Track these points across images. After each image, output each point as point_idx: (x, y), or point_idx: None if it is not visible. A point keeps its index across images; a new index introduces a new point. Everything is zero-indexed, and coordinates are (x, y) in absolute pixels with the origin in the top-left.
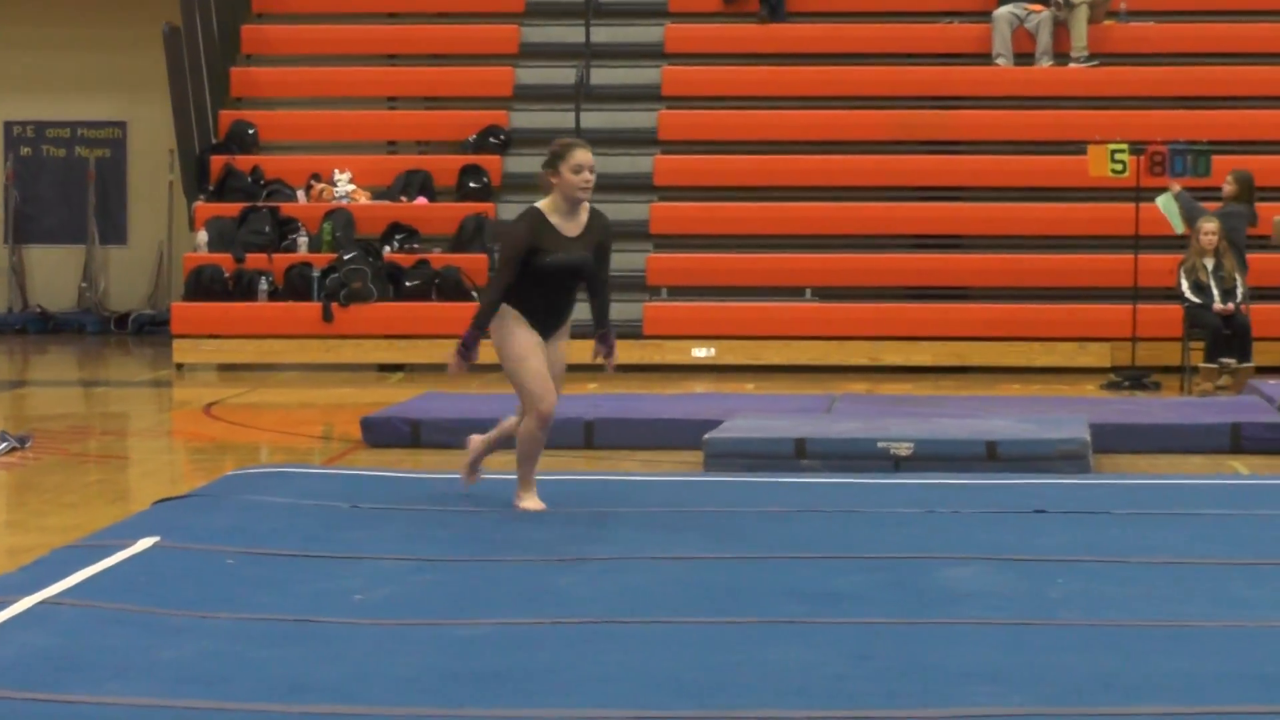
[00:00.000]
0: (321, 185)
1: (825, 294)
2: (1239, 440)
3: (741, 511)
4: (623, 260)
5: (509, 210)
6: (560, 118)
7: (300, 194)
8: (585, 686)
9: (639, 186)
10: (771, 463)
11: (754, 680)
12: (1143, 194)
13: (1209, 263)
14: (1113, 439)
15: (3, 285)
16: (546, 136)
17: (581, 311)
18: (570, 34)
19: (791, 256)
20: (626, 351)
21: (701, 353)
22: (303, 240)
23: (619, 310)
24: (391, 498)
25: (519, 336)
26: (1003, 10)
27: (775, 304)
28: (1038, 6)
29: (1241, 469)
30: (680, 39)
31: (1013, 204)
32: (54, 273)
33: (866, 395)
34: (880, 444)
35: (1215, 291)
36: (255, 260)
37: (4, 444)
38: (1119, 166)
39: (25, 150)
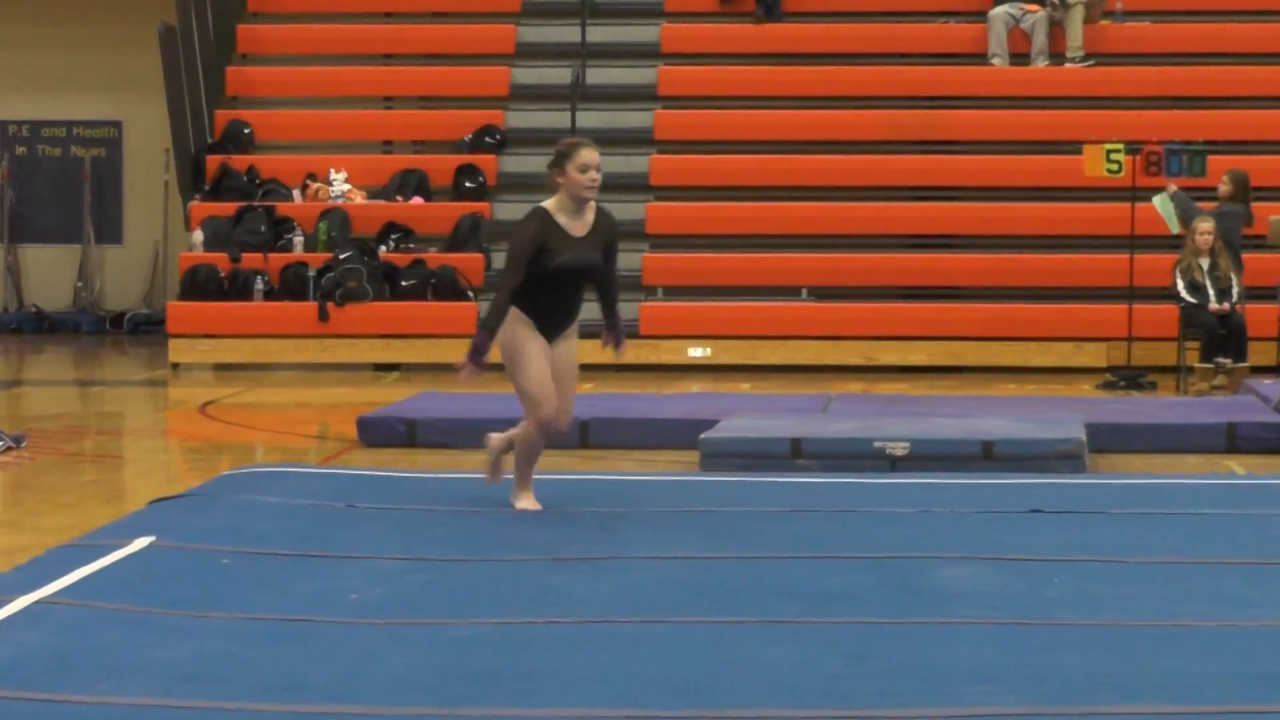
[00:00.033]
0: (317, 185)
1: (821, 294)
2: (1235, 440)
3: (737, 511)
4: (618, 260)
5: (505, 210)
6: (556, 117)
7: (296, 193)
8: (581, 686)
9: (635, 186)
10: (767, 462)
11: (749, 679)
12: (1138, 194)
13: (1204, 263)
14: (1109, 439)
15: None
16: (543, 136)
17: (587, 311)
18: (566, 34)
19: (788, 256)
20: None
21: (697, 352)
22: (298, 240)
23: None
24: (387, 497)
25: (524, 341)
26: (998, 10)
27: (771, 304)
28: (1033, 6)
29: (1237, 469)
30: (676, 39)
31: (1009, 204)
32: (49, 272)
33: (862, 395)
34: (876, 444)
35: (1211, 291)
36: (251, 260)
37: (0, 444)
38: (1114, 166)
39: (20, 150)
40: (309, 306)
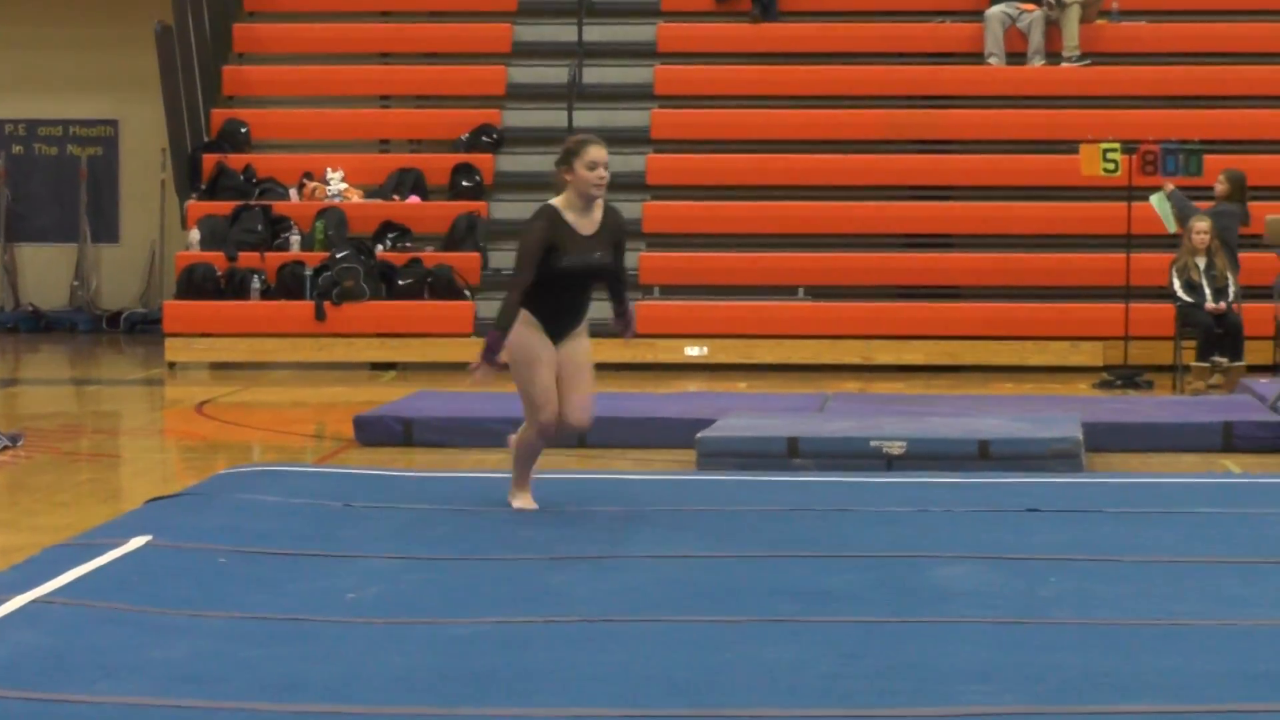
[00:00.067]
0: (314, 184)
1: (818, 293)
2: (1231, 439)
3: (734, 510)
4: None
5: (502, 209)
6: (553, 117)
7: (293, 192)
8: (578, 685)
9: (631, 185)
10: (764, 462)
11: (746, 679)
12: (1135, 193)
13: (1201, 262)
14: (1105, 438)
15: None
16: (539, 136)
17: (596, 310)
18: (563, 33)
19: (784, 255)
20: (619, 351)
21: (694, 352)
22: (295, 239)
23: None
24: (384, 496)
25: (530, 344)
26: (995, 10)
27: (768, 303)
28: (1030, 6)
29: (1234, 467)
30: (673, 38)
31: (1005, 203)
32: (46, 271)
33: (859, 394)
34: (873, 443)
35: (1207, 290)
36: (247, 259)
37: None
38: (1111, 166)
39: (17, 149)
40: (306, 305)
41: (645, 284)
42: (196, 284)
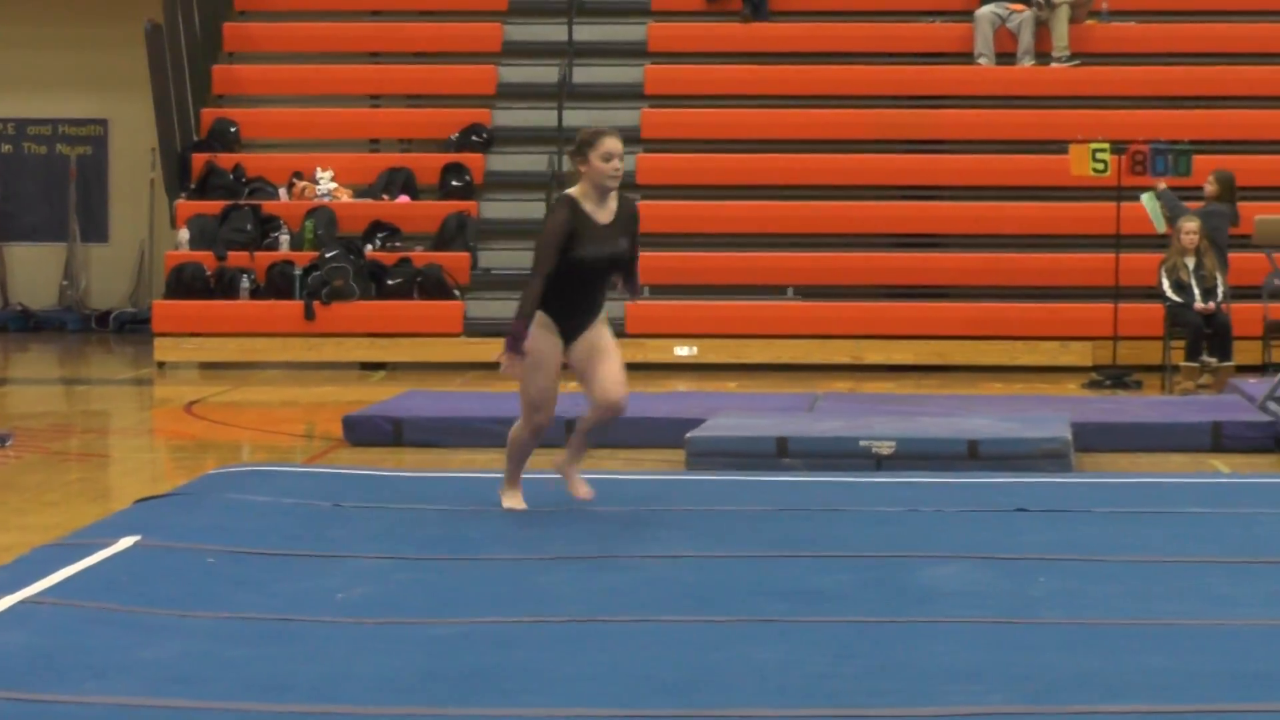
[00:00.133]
0: (303, 183)
1: (808, 293)
2: (1220, 439)
3: (723, 510)
4: None
5: (491, 209)
6: (543, 116)
7: (282, 192)
8: (566, 685)
9: (622, 185)
10: (753, 461)
11: (735, 679)
12: (1124, 193)
13: (1190, 262)
14: (1094, 438)
15: None
16: (529, 135)
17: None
18: (553, 32)
19: (774, 255)
20: None
21: (684, 351)
22: (284, 238)
23: None
24: (373, 496)
25: (537, 346)
26: (984, 10)
27: (757, 303)
28: (1019, 6)
29: (1222, 467)
30: (663, 38)
31: (995, 203)
32: (35, 270)
33: (849, 394)
34: (862, 443)
35: (1196, 291)
36: (237, 258)
37: None
38: (1100, 166)
39: (6, 148)
40: (295, 305)
41: None
42: (186, 283)
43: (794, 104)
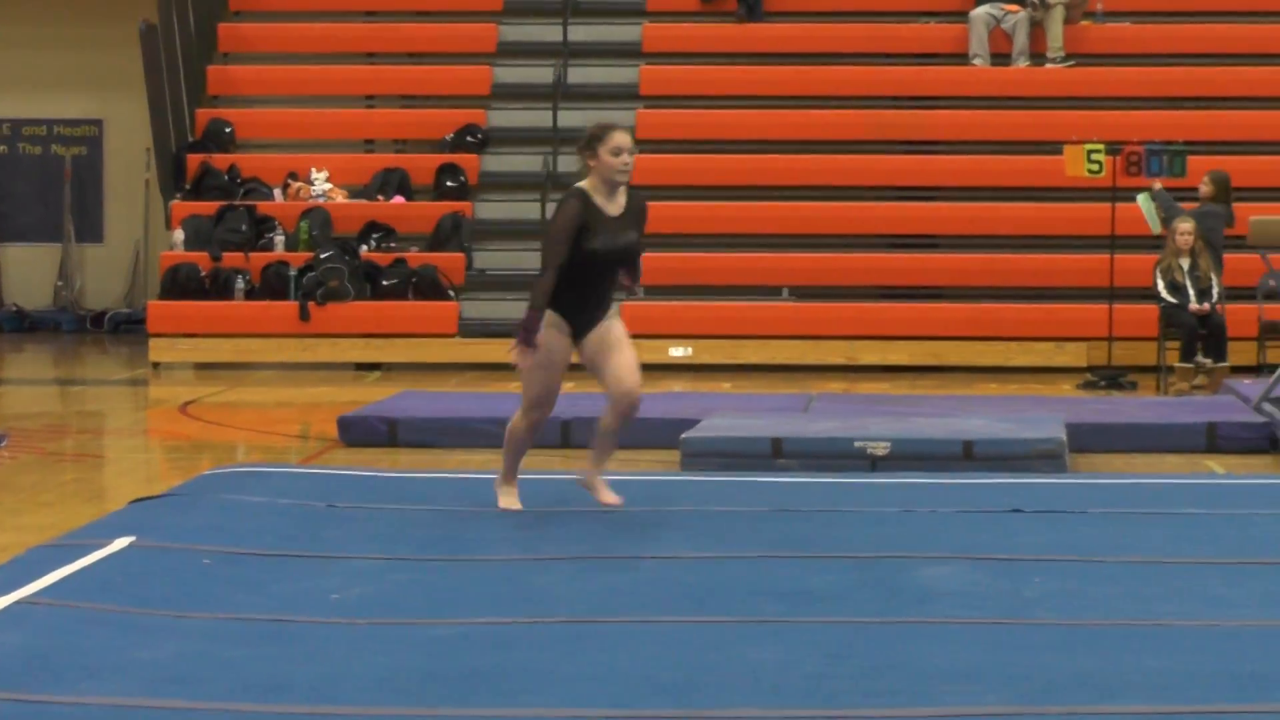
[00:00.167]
0: (298, 184)
1: (802, 293)
2: (1215, 439)
3: (718, 511)
4: None
5: (486, 209)
6: (538, 117)
7: (277, 192)
8: (562, 686)
9: None
10: (748, 462)
11: (731, 679)
12: (1119, 194)
13: (1185, 263)
14: (1089, 438)
15: None
16: (524, 136)
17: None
18: (548, 33)
19: (769, 256)
20: None
21: (679, 352)
22: (279, 239)
23: None
24: (368, 497)
25: (547, 343)
26: (979, 11)
27: (752, 303)
28: (1014, 7)
29: (1217, 468)
30: (658, 38)
31: (989, 204)
32: (30, 271)
33: (843, 395)
34: (857, 443)
35: (1191, 291)
36: (232, 259)
37: None
38: (1095, 167)
39: (1, 148)
40: (290, 306)
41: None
42: (181, 284)
43: (789, 104)
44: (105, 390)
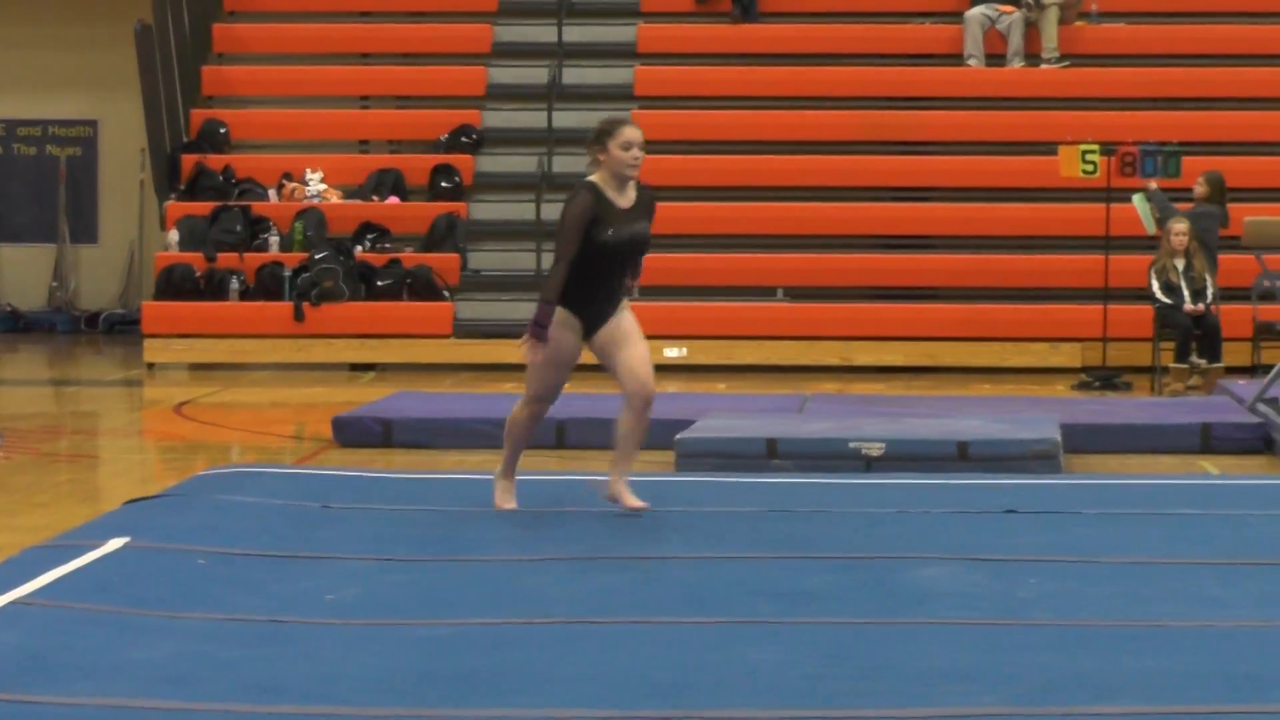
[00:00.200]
0: (293, 184)
1: (797, 294)
2: (1209, 440)
3: (713, 511)
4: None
5: (481, 210)
6: (533, 117)
7: (272, 193)
8: (557, 686)
9: None
10: (743, 463)
11: (726, 680)
12: (1114, 195)
13: (1179, 263)
14: (1084, 439)
15: None
16: (519, 136)
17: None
18: (543, 33)
19: (763, 256)
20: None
21: (673, 353)
22: (274, 239)
23: None
24: (363, 497)
25: (557, 340)
26: (974, 11)
27: (747, 304)
28: (1009, 8)
29: (1212, 469)
30: (653, 39)
31: (984, 204)
32: (24, 272)
33: (838, 395)
34: (852, 444)
35: (1186, 292)
36: (226, 259)
37: None
38: (1090, 167)
39: None
40: (285, 306)
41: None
42: (175, 284)
43: (784, 105)
44: (100, 391)
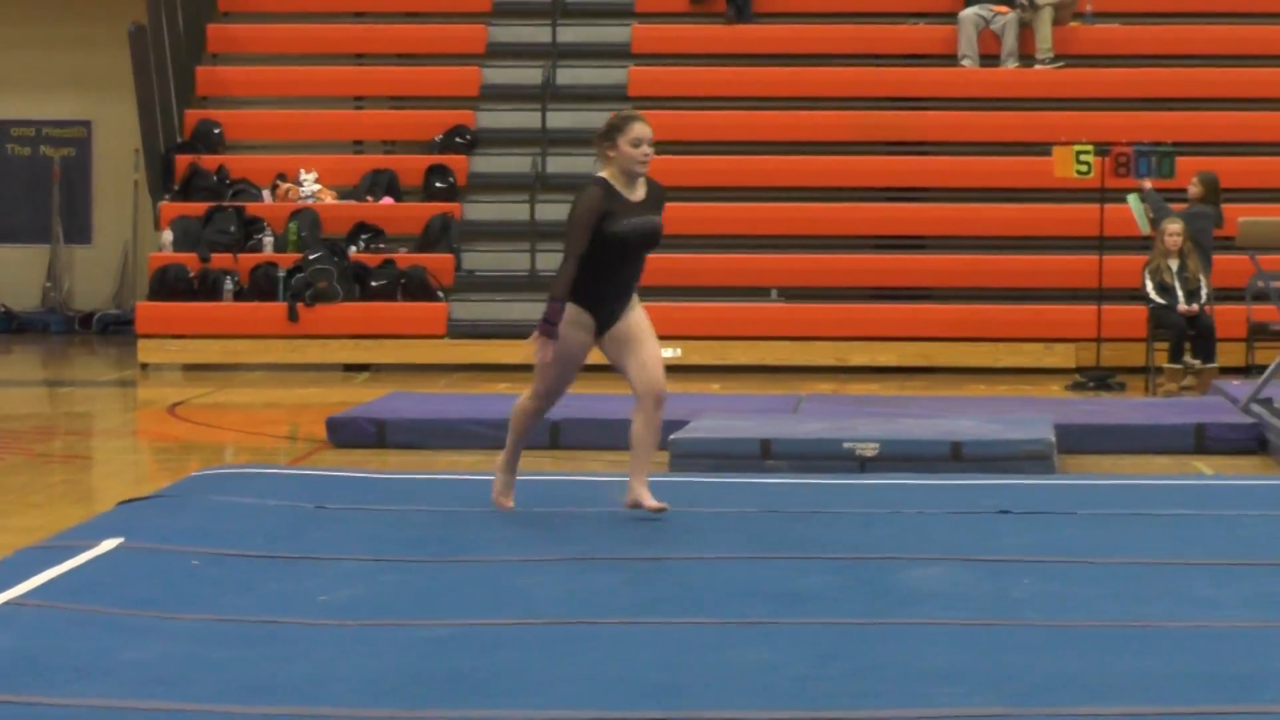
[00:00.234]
0: (287, 185)
1: (791, 294)
2: (1203, 441)
3: (706, 512)
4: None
5: (475, 210)
6: (527, 118)
7: (266, 193)
8: (549, 687)
9: None
10: (737, 463)
11: (719, 681)
12: (1108, 195)
13: (1173, 264)
14: (1077, 439)
15: None
16: (513, 137)
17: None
18: (537, 34)
19: (757, 257)
20: (593, 353)
21: (668, 353)
22: (268, 240)
23: None
24: (356, 498)
25: (566, 339)
26: (968, 12)
27: (741, 304)
28: (1003, 8)
29: (1205, 469)
30: (647, 39)
31: (978, 205)
32: (18, 272)
33: (832, 396)
34: (846, 444)
35: (1180, 292)
36: (220, 260)
37: None
38: (1084, 168)
39: None
40: (279, 307)
41: None
42: (169, 285)
43: (778, 106)
44: (93, 391)
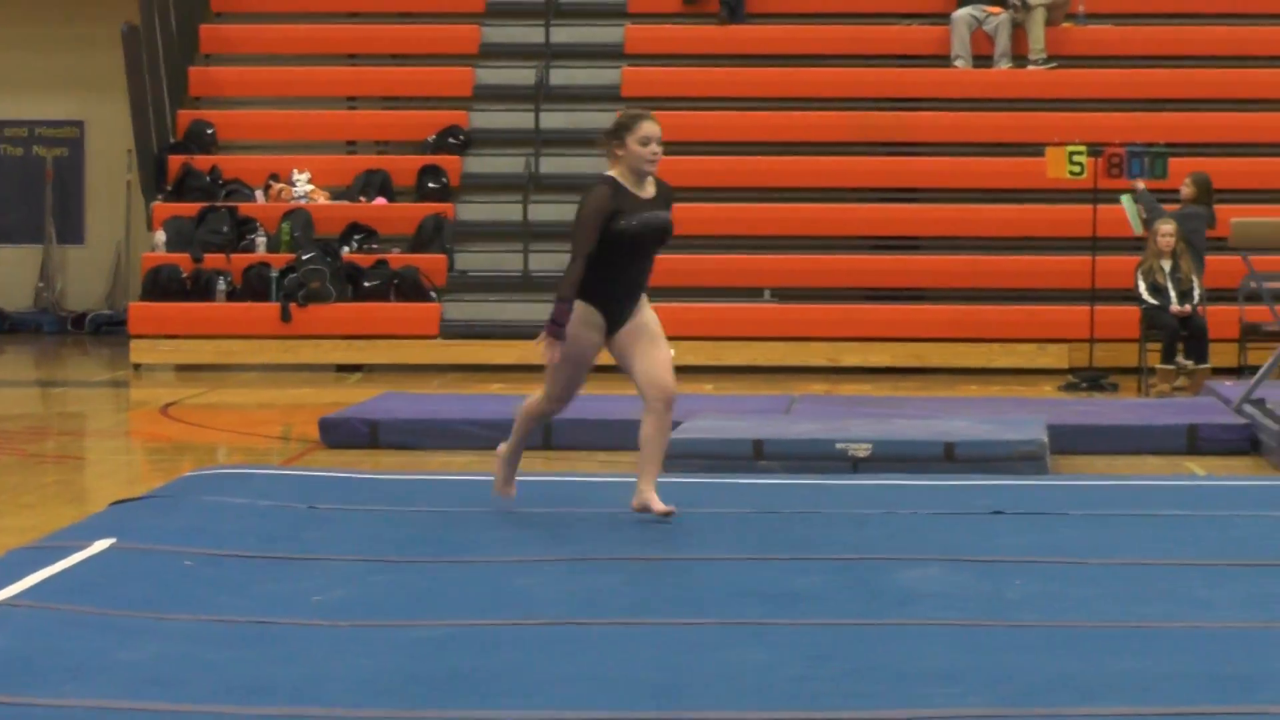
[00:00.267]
0: (280, 185)
1: (784, 295)
2: (1196, 441)
3: (700, 513)
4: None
5: (468, 211)
6: (520, 118)
7: (259, 194)
8: (544, 688)
9: None
10: (730, 464)
11: (713, 681)
12: (1100, 196)
13: (1166, 264)
14: (1070, 440)
15: None
16: (506, 137)
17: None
18: (530, 34)
19: (750, 257)
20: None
21: None
22: (261, 240)
23: None
24: (350, 498)
25: (576, 340)
26: (961, 12)
27: (734, 305)
28: (996, 9)
29: (1198, 470)
30: (640, 40)
31: (971, 205)
32: (11, 272)
33: (825, 396)
34: (839, 445)
35: (1172, 293)
36: (213, 260)
37: None
38: (1077, 168)
39: None
40: (271, 307)
41: None
42: (162, 285)
43: (771, 106)
44: (86, 392)
